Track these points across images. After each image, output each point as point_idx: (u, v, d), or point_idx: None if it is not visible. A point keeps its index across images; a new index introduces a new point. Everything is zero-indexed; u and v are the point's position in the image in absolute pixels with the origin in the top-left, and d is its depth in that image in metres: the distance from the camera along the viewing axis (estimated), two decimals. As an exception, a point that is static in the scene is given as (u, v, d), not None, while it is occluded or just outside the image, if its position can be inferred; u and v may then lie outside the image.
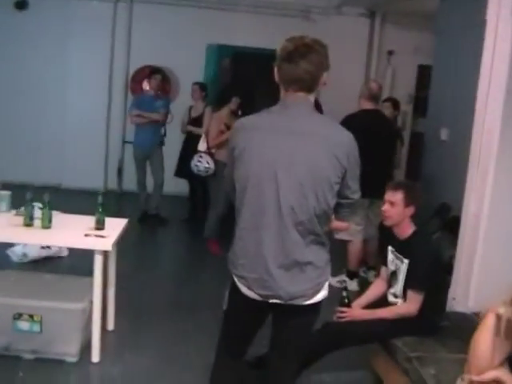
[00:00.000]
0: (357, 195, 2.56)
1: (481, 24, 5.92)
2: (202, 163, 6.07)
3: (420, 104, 9.69)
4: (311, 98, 2.54)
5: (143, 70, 8.60)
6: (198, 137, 7.25)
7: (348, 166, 2.45)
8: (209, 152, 6.12)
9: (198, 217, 7.66)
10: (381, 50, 9.26)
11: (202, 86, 7.52)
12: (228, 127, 6.15)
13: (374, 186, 4.27)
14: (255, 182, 2.45)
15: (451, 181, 6.14)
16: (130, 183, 8.67)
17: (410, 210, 3.58)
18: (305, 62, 2.43)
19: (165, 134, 7.51)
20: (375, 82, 5.49)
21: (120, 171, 9.12)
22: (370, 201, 5.37)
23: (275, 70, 2.55)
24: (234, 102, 6.20)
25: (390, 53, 9.27)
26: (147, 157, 7.45)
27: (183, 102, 8.42)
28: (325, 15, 9.04)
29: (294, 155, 2.42)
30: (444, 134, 6.48)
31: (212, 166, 6.09)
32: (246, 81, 8.91)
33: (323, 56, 2.47)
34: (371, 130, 5.26)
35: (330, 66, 2.52)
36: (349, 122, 4.69)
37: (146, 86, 8.09)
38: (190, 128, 7.34)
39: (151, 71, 7.53)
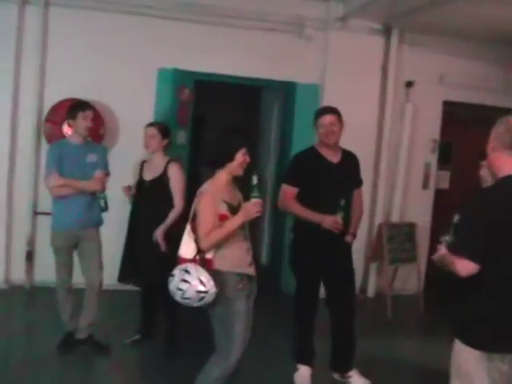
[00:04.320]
0: None
1: None
2: (192, 285, 3.19)
3: (445, 153, 7.31)
4: None
5: (63, 105, 5.68)
6: (158, 215, 4.52)
7: None
8: (201, 259, 3.26)
9: (152, 334, 4.90)
10: (398, 81, 6.77)
11: (162, 130, 4.72)
12: (232, 209, 3.36)
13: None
14: None
15: None
16: (45, 273, 5.68)
17: None
18: None
19: (105, 207, 4.66)
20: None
21: (30, 256, 6.11)
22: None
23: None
24: (240, 161, 3.40)
25: (409, 84, 6.80)
26: (75, 245, 4.57)
27: (123, 152, 5.81)
28: (324, 30, 6.51)
29: None
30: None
31: (211, 287, 3.23)
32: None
33: None
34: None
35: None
36: (485, 204, 2.68)
37: (68, 129, 5.24)
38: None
39: (76, 106, 4.62)
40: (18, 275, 6.10)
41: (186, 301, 3.23)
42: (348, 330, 4.34)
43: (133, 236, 4.74)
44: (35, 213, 6.05)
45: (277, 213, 6.23)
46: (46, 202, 5.70)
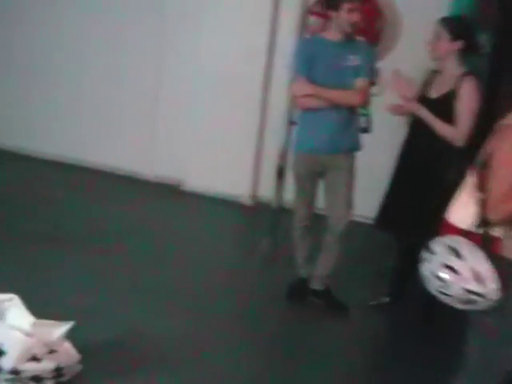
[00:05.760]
0: None
1: None
2: (462, 277, 1.92)
3: None
4: None
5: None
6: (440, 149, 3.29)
7: None
8: (483, 236, 1.97)
9: (404, 300, 3.77)
10: None
11: (452, 28, 3.34)
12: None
13: None
14: None
15: None
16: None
17: None
18: None
19: (367, 128, 3.56)
20: None
21: (281, 172, 5.30)
22: None
23: None
24: None
25: None
26: (321, 174, 3.57)
27: (403, 58, 4.51)
28: None
29: None
30: None
31: (492, 290, 1.92)
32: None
33: None
34: None
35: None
36: None
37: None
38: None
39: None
40: (266, 192, 5.36)
41: (443, 296, 1.99)
42: None
43: (402, 173, 3.56)
44: (290, 123, 5.16)
45: None
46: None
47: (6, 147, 5.86)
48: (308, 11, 4.86)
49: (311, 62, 3.37)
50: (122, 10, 5.42)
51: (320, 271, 3.66)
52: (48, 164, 5.76)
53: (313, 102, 3.39)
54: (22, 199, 4.87)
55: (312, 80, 3.35)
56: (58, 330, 2.54)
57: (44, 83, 5.80)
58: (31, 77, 5.84)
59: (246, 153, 5.29)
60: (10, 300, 2.58)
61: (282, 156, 5.26)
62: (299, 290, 3.74)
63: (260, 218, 5.19)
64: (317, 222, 3.69)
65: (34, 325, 2.53)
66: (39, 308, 2.70)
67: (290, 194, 5.16)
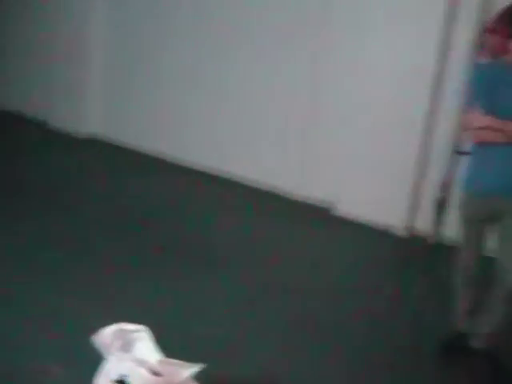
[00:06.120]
0: None
1: None
2: None
3: None
4: None
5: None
6: None
7: None
8: None
9: None
10: None
11: None
12: None
13: None
14: None
15: None
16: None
17: None
18: None
19: None
20: None
21: (442, 206, 4.84)
22: None
23: None
24: None
25: None
26: (495, 217, 3.09)
27: None
28: None
29: None
30: None
31: None
32: None
33: None
34: None
35: None
36: None
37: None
38: None
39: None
40: (424, 225, 4.92)
41: None
42: None
43: None
44: (457, 153, 4.68)
45: None
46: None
47: (161, 155, 6.03)
48: (486, 30, 4.36)
49: (490, 89, 2.91)
50: (276, 28, 5.34)
51: (483, 327, 3.18)
52: (199, 175, 5.78)
53: (489, 136, 2.92)
54: (165, 211, 4.88)
55: (490, 110, 2.90)
56: (187, 370, 2.35)
57: (202, 98, 5.87)
58: (190, 89, 5.95)
59: (405, 180, 4.86)
60: (139, 331, 2.44)
61: (445, 188, 4.81)
62: (455, 347, 3.27)
63: (414, 254, 4.76)
64: (485, 270, 3.21)
65: (161, 362, 2.36)
66: (164, 337, 2.54)
67: (450, 229, 4.72)
